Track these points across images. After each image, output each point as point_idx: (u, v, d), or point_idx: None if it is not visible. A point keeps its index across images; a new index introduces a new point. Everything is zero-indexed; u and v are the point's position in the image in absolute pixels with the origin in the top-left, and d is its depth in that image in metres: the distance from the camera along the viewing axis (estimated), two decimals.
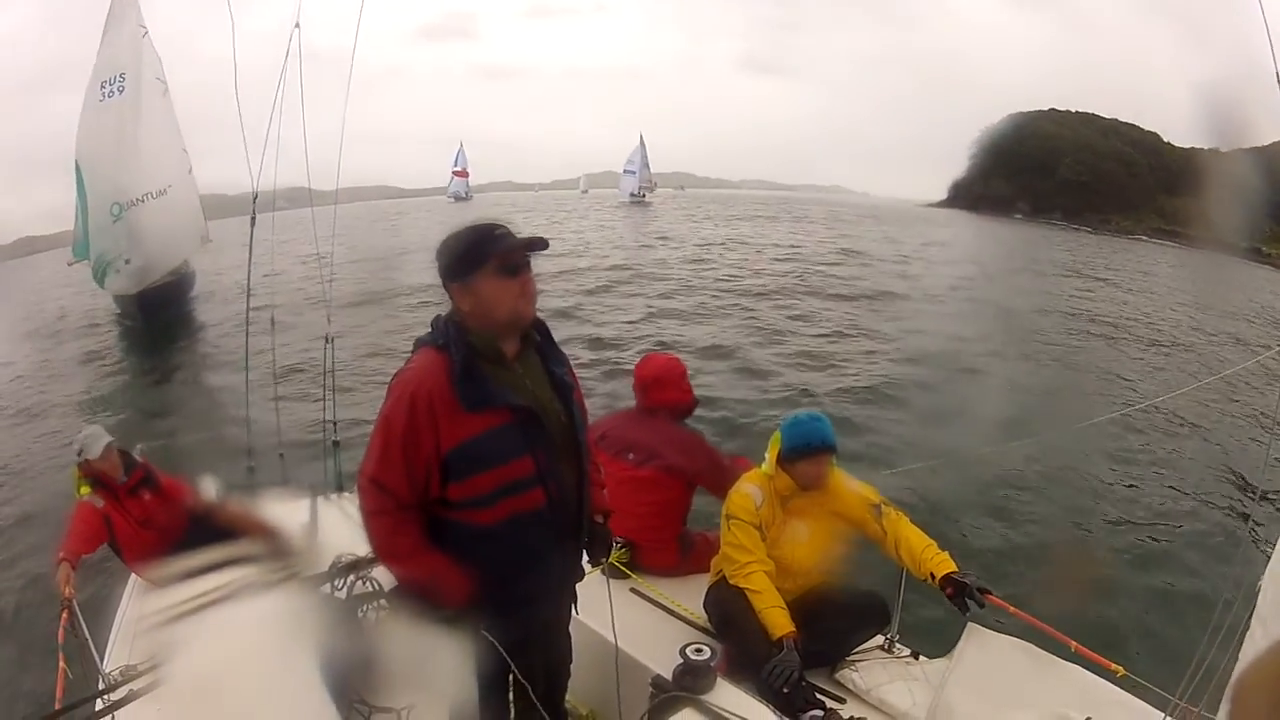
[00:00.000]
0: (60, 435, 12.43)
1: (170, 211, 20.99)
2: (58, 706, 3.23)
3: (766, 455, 3.89)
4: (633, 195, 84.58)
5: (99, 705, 2.96)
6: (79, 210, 21.72)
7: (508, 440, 2.62)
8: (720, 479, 4.22)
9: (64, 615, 4.02)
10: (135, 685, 2.92)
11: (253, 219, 5.39)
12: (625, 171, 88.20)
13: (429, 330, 2.73)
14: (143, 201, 20.51)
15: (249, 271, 5.52)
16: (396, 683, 2.89)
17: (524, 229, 2.70)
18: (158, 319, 20.88)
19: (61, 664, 3.56)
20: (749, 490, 3.82)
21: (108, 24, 21.43)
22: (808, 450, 3.73)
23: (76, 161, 21.51)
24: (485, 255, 2.59)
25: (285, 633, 2.78)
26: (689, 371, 4.64)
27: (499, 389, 2.62)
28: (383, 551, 2.74)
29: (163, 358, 18.73)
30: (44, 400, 15.55)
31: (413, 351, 2.74)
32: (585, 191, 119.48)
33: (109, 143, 20.44)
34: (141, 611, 3.81)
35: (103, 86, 20.67)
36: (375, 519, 2.65)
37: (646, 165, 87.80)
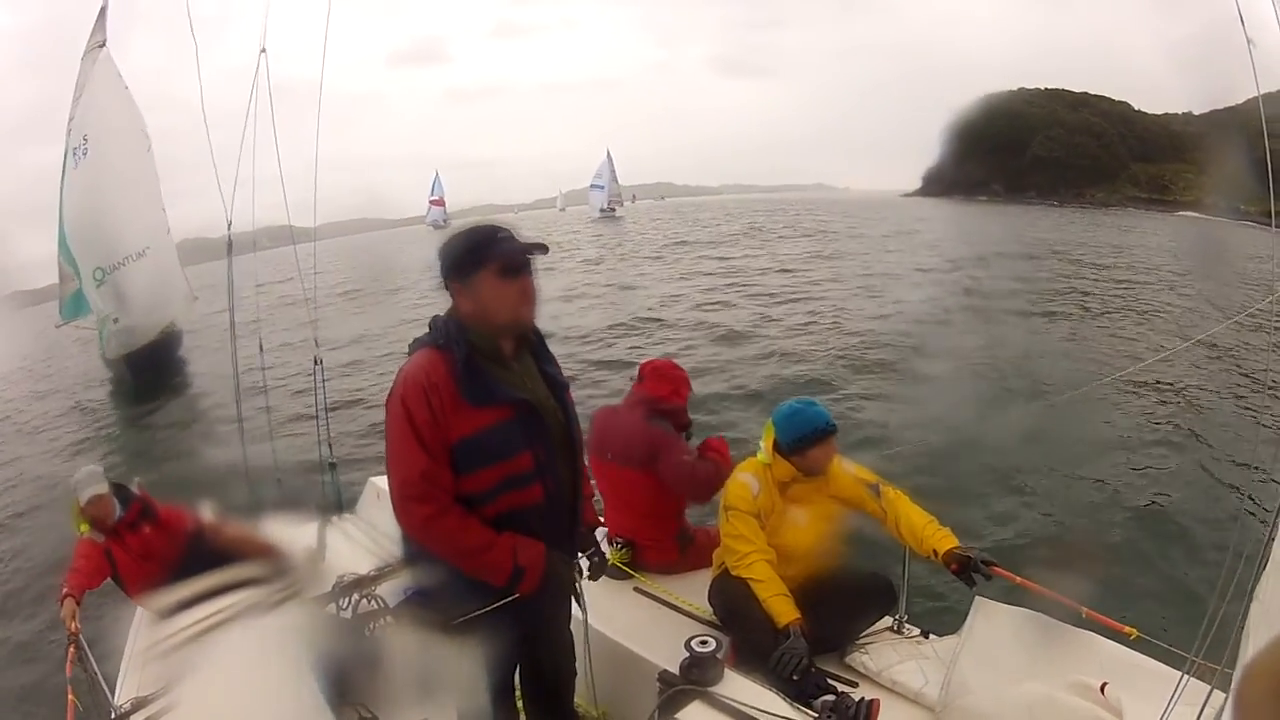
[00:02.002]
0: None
1: (151, 273, 20.73)
2: None
3: (761, 444, 3.84)
4: (602, 210, 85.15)
5: None
6: (72, 271, 21.47)
7: (509, 435, 2.66)
8: (690, 483, 4.18)
9: (71, 649, 4.01)
10: (145, 716, 2.94)
11: (229, 246, 5.34)
12: (593, 187, 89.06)
13: (427, 331, 2.74)
14: (124, 265, 20.35)
15: (229, 277, 5.48)
16: (406, 694, 2.86)
17: None
18: (147, 377, 20.67)
19: (71, 697, 3.53)
20: (746, 480, 3.78)
21: (78, 84, 21.23)
22: (815, 436, 3.69)
23: (61, 224, 21.38)
24: (486, 257, 2.63)
25: (291, 653, 2.74)
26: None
27: (500, 385, 2.66)
28: (456, 553, 2.67)
29: (154, 405, 18.83)
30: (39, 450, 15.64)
31: (409, 352, 2.75)
32: (563, 209, 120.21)
33: (83, 209, 20.30)
34: (149, 641, 3.77)
35: (74, 152, 20.46)
36: (437, 522, 2.62)
37: (615, 179, 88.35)
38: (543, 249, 2.72)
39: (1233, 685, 1.06)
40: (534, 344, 2.88)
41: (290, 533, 5.19)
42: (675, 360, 4.67)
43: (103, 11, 21.33)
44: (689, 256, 37.19)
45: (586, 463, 3.34)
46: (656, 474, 4.21)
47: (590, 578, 3.20)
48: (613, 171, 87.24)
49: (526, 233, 2.72)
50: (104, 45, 20.91)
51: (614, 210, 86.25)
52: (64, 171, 20.92)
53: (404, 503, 2.63)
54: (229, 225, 5.23)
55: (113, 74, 20.76)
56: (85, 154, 20.25)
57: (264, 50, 4.91)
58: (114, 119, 20.46)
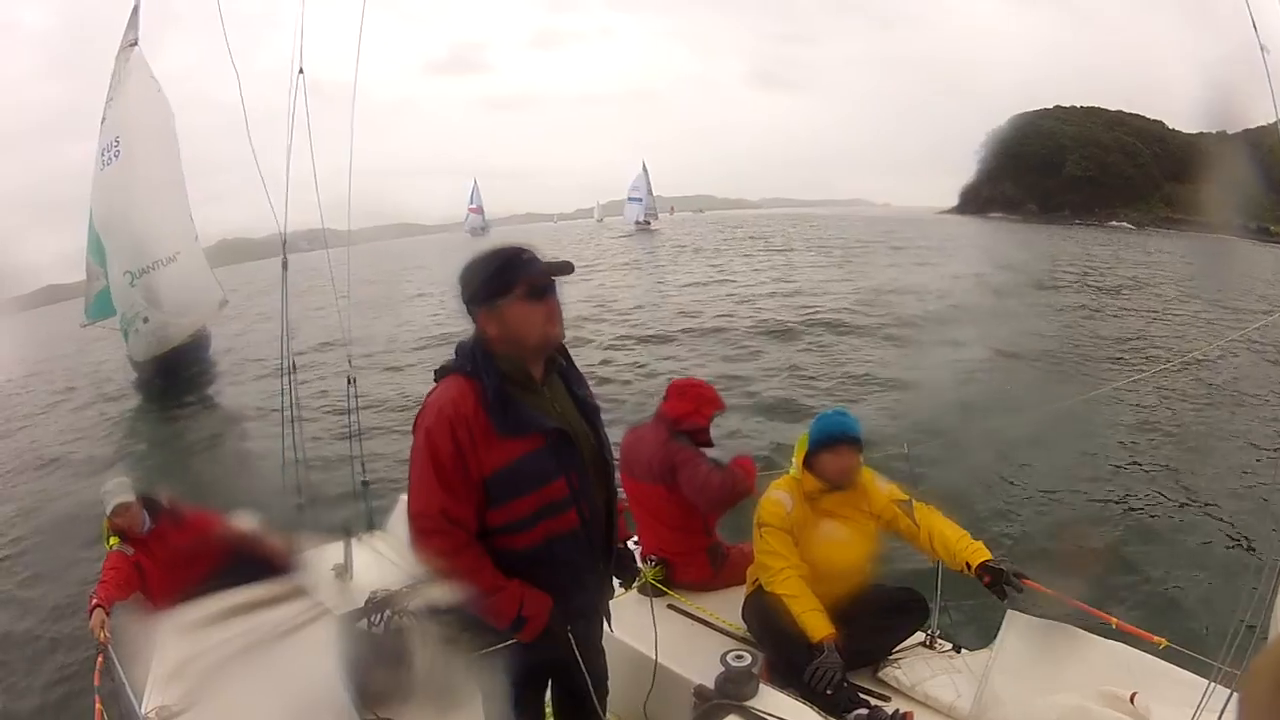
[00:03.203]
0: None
1: (182, 277, 20.77)
2: None
3: (793, 460, 3.84)
4: (638, 223, 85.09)
5: None
6: (100, 271, 21.34)
7: (543, 463, 2.59)
8: (703, 491, 4.13)
9: (99, 659, 4.03)
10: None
11: (284, 264, 5.39)
12: (630, 199, 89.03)
13: (453, 358, 2.68)
14: (154, 269, 20.14)
15: (284, 312, 5.52)
16: (431, 707, 2.88)
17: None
18: (175, 379, 20.47)
19: (98, 707, 3.56)
20: (779, 497, 3.77)
21: (111, 83, 21.04)
22: (829, 441, 3.69)
23: (92, 223, 21.26)
24: (513, 281, 2.55)
25: (319, 666, 2.75)
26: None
27: (532, 413, 2.60)
28: (465, 590, 2.61)
29: (182, 413, 18.67)
30: (66, 451, 15.65)
31: (436, 380, 2.69)
32: (601, 220, 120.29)
33: (115, 209, 20.11)
34: (177, 657, 3.78)
35: (103, 153, 20.30)
36: (452, 559, 2.57)
37: (650, 191, 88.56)
38: (568, 268, 2.67)
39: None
40: (562, 366, 2.82)
41: (320, 551, 5.26)
42: (702, 379, 4.66)
43: (135, 10, 21.16)
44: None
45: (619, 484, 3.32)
46: (679, 488, 4.21)
47: (624, 587, 3.17)
48: (648, 184, 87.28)
49: (564, 243, 2.66)
50: (136, 44, 20.72)
51: (649, 223, 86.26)
52: (95, 170, 20.76)
53: (419, 535, 2.60)
54: (284, 262, 5.31)
55: (145, 74, 20.55)
56: (117, 155, 20.05)
57: (301, 71, 4.97)
58: (145, 121, 20.27)
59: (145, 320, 20.43)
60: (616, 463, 4.12)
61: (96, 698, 3.64)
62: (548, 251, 2.67)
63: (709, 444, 4.42)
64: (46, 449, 15.88)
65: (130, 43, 20.91)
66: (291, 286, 5.63)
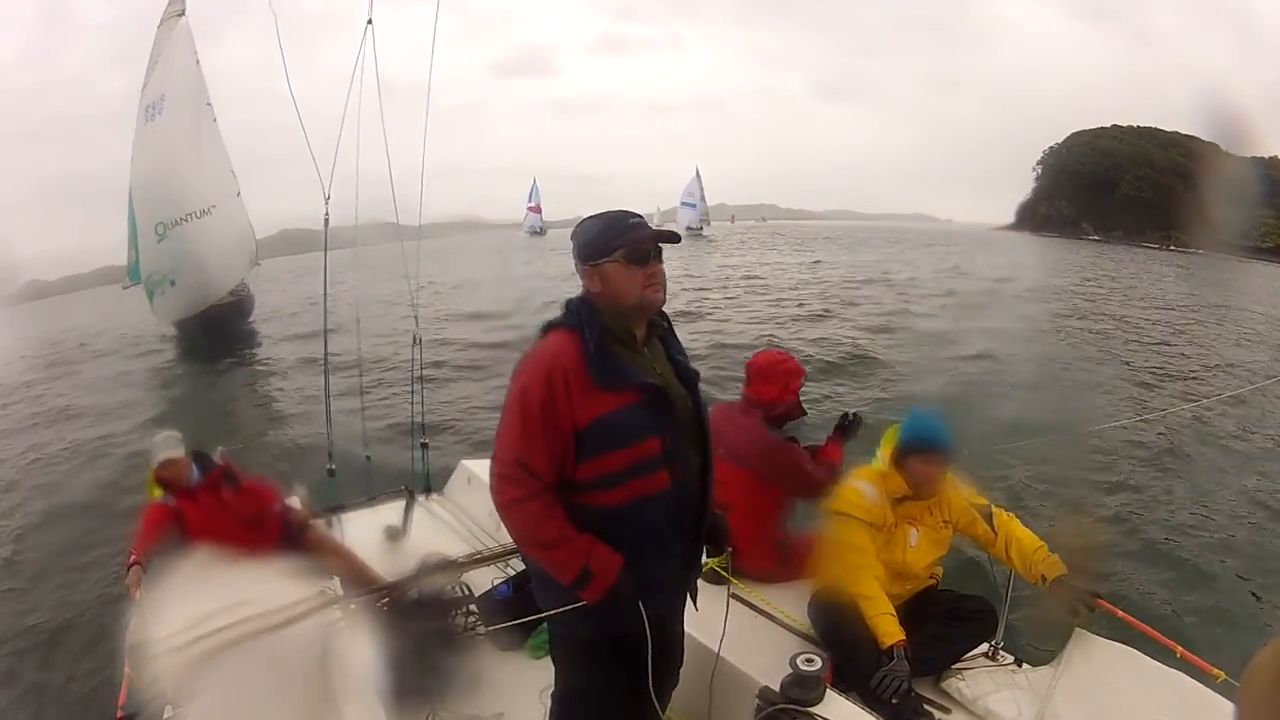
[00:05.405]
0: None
1: (217, 231, 20.56)
2: (120, 715, 3.16)
3: (879, 452, 3.72)
4: (689, 228, 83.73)
5: (166, 714, 2.85)
6: (131, 235, 21.56)
7: (638, 419, 2.55)
8: (806, 490, 4.08)
9: (134, 619, 3.87)
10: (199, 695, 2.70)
11: (326, 221, 5.43)
12: (683, 204, 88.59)
13: (561, 314, 2.68)
14: (186, 221, 20.20)
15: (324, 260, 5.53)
16: (483, 692, 2.82)
17: None
18: (217, 338, 20.45)
19: (127, 670, 3.45)
20: (861, 487, 3.63)
21: (154, 55, 21.32)
22: (921, 445, 3.56)
23: (130, 186, 21.45)
24: (616, 243, 2.58)
25: (359, 647, 2.67)
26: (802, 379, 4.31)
27: (630, 368, 2.58)
28: (530, 541, 2.62)
29: (226, 370, 18.68)
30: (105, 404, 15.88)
31: (542, 333, 2.68)
32: (660, 226, 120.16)
33: (152, 163, 20.17)
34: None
35: (147, 110, 20.40)
36: (521, 506, 2.54)
37: (703, 198, 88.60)
38: (674, 238, 2.72)
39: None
40: (664, 330, 2.79)
41: (375, 512, 5.28)
42: (779, 350, 4.51)
43: None
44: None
45: None
46: (772, 481, 4.10)
47: (709, 557, 3.10)
48: (701, 189, 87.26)
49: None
50: (183, 14, 21.01)
51: (701, 229, 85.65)
52: (135, 132, 20.91)
53: (498, 480, 2.57)
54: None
55: (189, 45, 20.70)
56: (161, 111, 20.17)
57: (370, 21, 4.97)
58: (190, 83, 20.46)
59: (173, 283, 20.56)
60: None
61: (127, 659, 3.54)
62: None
63: (803, 414, 4.29)
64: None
65: (177, 12, 21.23)
66: (361, 277, 5.65)
